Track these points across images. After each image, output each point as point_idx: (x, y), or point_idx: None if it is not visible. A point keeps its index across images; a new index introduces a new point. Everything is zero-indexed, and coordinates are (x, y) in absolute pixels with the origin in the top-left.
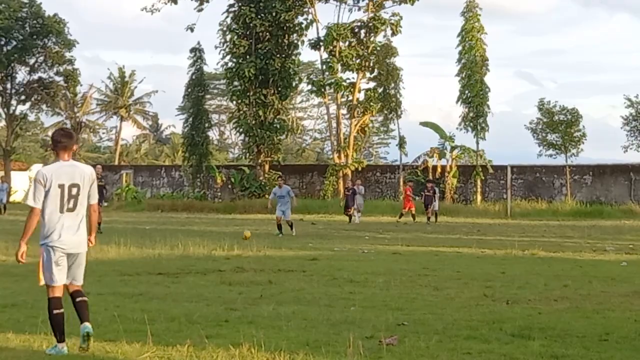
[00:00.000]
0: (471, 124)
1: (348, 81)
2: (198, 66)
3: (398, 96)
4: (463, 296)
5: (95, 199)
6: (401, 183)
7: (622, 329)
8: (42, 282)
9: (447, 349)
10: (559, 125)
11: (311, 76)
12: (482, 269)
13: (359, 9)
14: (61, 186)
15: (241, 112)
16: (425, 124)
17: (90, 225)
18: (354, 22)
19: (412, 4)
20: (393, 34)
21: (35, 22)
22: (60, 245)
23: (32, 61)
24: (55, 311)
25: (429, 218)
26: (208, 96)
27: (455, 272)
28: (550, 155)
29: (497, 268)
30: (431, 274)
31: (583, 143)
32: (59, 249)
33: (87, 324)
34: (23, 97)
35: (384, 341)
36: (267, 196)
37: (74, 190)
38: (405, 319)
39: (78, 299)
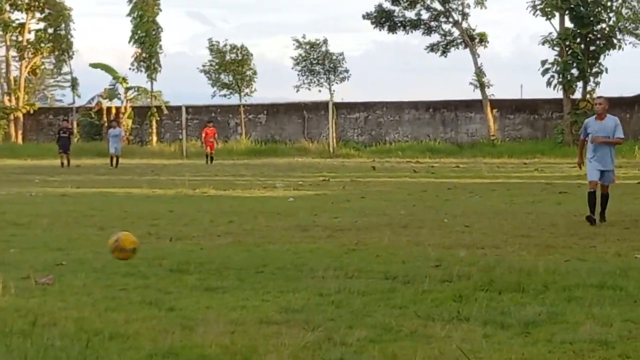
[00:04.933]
0: (144, 64)
1: (17, 22)
2: None
3: (69, 37)
4: None
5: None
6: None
7: (279, 260)
8: None
9: (103, 285)
10: (230, 65)
11: None
12: (151, 208)
13: None
14: None
15: None
16: (95, 65)
17: None
18: None
19: None
20: None
21: None
22: None
23: None
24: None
25: (68, 163)
26: None
27: (122, 211)
28: (225, 95)
29: (165, 207)
30: (98, 215)
31: (255, 82)
32: None
33: None
34: None
35: (39, 281)
36: None
37: None
38: (65, 259)
39: None
